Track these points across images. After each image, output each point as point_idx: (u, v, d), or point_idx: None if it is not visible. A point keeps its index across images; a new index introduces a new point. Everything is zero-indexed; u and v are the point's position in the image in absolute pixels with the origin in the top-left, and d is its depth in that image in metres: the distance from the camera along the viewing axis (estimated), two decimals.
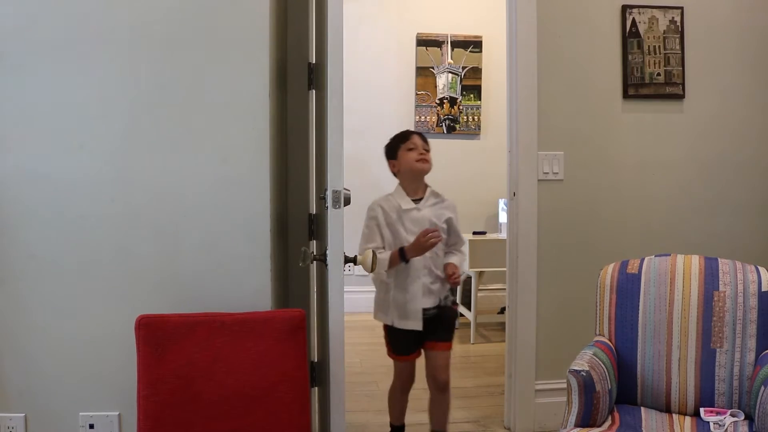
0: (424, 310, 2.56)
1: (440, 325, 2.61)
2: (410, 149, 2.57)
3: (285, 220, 2.68)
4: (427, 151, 2.61)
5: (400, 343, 2.63)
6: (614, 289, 2.30)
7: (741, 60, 3.17)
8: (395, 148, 2.62)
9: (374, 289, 2.69)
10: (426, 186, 2.64)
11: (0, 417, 2.15)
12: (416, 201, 2.59)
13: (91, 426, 2.16)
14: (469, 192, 5.60)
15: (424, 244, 2.47)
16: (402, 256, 2.51)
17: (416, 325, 2.55)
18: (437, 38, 5.66)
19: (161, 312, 2.02)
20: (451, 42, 5.68)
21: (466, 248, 2.82)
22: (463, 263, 2.68)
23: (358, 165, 4.84)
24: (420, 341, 2.62)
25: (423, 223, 2.54)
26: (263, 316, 2.07)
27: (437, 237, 2.48)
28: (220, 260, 2.17)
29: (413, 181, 2.61)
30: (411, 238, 2.52)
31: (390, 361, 3.47)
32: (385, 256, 2.51)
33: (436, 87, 5.70)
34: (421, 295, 2.55)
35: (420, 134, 2.65)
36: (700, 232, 3.12)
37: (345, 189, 2.03)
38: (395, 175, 2.64)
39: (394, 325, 2.58)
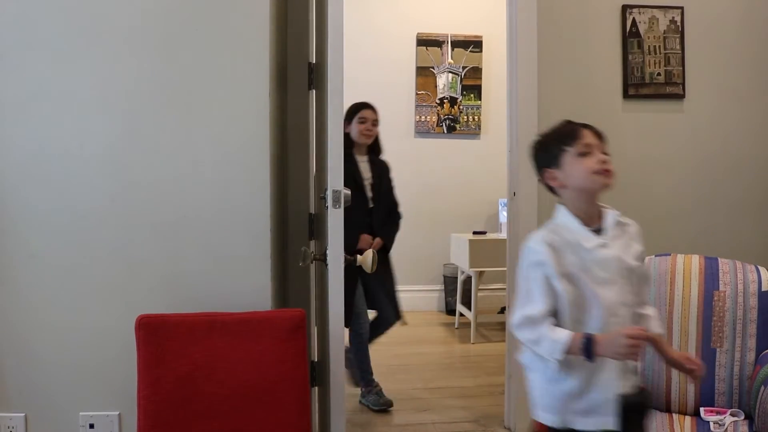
0: (621, 397, 1.62)
1: (638, 421, 1.71)
2: (584, 154, 1.64)
3: (285, 220, 2.68)
4: (607, 153, 1.66)
5: None
6: None
7: (741, 59, 3.16)
8: (557, 151, 1.67)
9: None
10: (600, 207, 1.71)
11: (0, 417, 2.15)
12: (596, 232, 1.67)
13: (91, 426, 2.16)
14: (469, 192, 5.62)
15: (622, 348, 1.51)
16: (587, 347, 1.54)
17: (607, 422, 1.60)
18: (437, 38, 5.66)
19: (161, 312, 2.02)
20: (451, 42, 5.68)
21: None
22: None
23: None
24: None
25: (616, 268, 1.64)
26: (263, 316, 2.07)
27: (641, 345, 1.54)
28: (220, 260, 2.17)
29: (589, 203, 1.68)
30: (603, 292, 1.61)
31: (390, 361, 3.47)
32: (561, 337, 1.56)
33: (436, 87, 5.70)
34: (616, 374, 1.61)
35: (592, 128, 1.68)
36: (700, 232, 3.12)
37: (345, 189, 2.03)
38: (552, 191, 1.73)
39: (570, 425, 1.63)
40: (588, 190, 1.66)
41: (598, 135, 1.67)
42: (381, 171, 3.46)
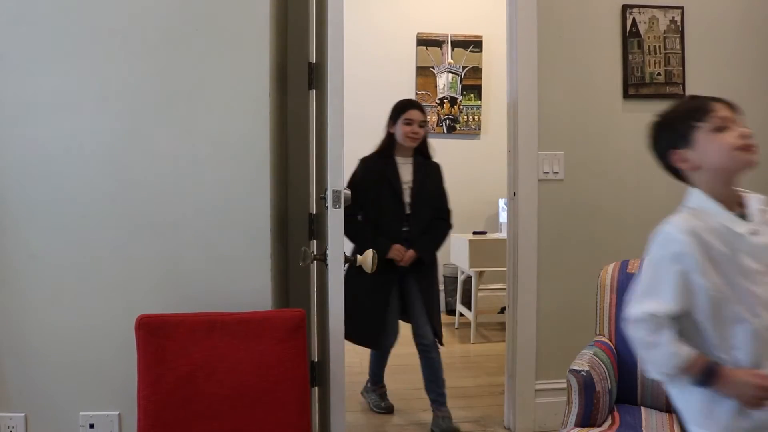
0: None
1: None
2: (721, 129, 1.45)
3: (285, 220, 2.68)
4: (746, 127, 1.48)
5: None
6: (614, 289, 2.30)
7: (741, 59, 3.17)
8: (686, 128, 1.47)
9: None
10: (737, 190, 1.52)
11: (0, 417, 2.15)
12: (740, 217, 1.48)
13: (91, 426, 2.16)
14: (469, 192, 5.62)
15: (747, 398, 1.36)
16: (708, 377, 1.38)
17: None
18: (437, 38, 5.66)
19: (161, 312, 2.02)
20: (451, 42, 5.68)
21: None
22: None
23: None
24: None
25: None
26: (263, 316, 2.07)
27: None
28: (220, 260, 2.17)
29: (728, 185, 1.49)
30: (755, 288, 1.41)
31: (390, 361, 3.46)
32: (684, 352, 1.39)
33: (436, 87, 5.71)
34: None
35: (724, 100, 1.50)
36: None
37: (345, 189, 2.03)
38: (678, 176, 1.55)
39: None
40: (729, 170, 1.46)
41: (732, 107, 1.48)
42: (426, 174, 3.15)
